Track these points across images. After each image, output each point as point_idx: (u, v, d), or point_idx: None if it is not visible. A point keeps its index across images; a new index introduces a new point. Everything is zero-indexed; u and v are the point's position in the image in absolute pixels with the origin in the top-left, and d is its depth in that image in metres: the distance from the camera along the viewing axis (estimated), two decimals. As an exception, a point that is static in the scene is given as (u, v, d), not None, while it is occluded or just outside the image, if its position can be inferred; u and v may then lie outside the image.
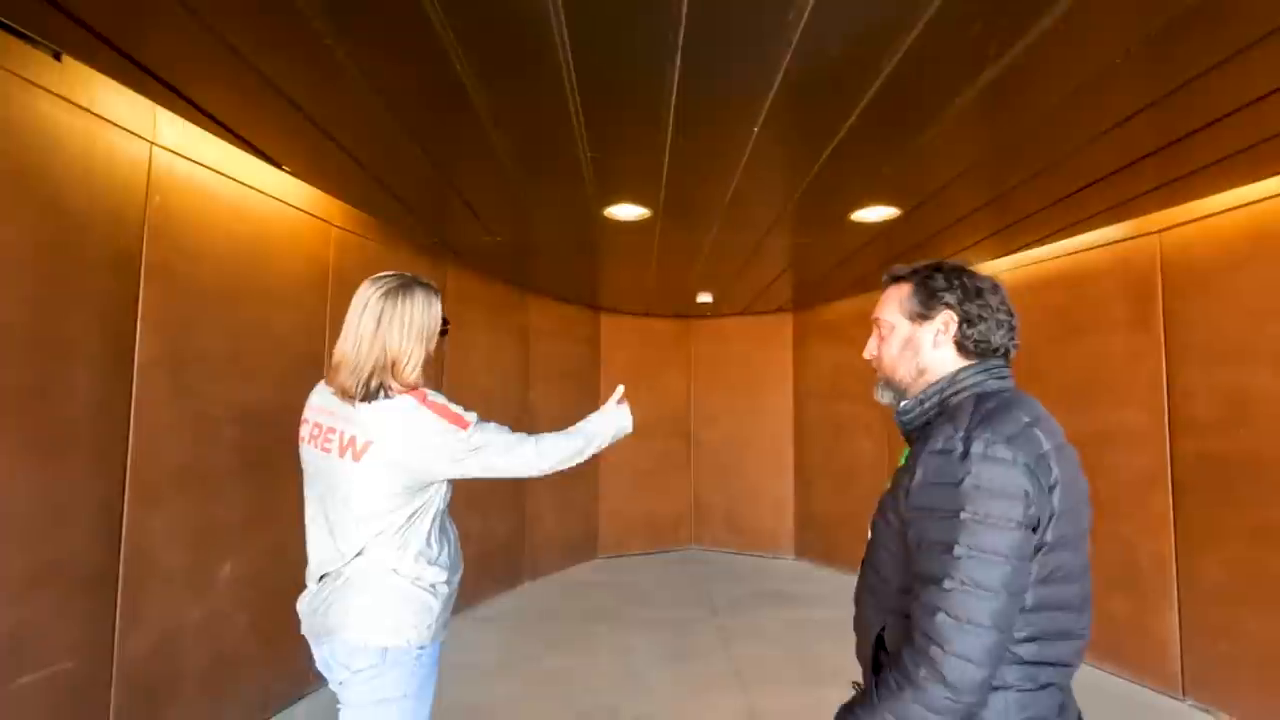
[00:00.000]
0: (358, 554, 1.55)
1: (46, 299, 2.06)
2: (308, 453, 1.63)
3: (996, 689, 1.04)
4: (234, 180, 2.78)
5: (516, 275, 5.12)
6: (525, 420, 5.42)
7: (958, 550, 1.00)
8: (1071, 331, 3.91)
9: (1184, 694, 3.28)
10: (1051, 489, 1.05)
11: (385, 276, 1.62)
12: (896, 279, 1.30)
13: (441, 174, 2.91)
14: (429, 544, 1.59)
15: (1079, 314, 3.87)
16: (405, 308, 1.57)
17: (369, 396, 1.53)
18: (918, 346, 1.24)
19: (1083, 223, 3.58)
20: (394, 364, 1.54)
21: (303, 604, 1.65)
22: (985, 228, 3.67)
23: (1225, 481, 3.13)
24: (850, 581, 1.39)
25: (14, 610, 1.96)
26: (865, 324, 1.38)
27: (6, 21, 1.88)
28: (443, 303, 1.68)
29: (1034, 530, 1.03)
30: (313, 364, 3.15)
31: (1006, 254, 4.26)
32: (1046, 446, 1.07)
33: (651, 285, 5.37)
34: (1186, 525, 3.30)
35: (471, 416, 1.60)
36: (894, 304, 1.28)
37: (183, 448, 2.56)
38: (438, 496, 1.63)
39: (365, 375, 1.52)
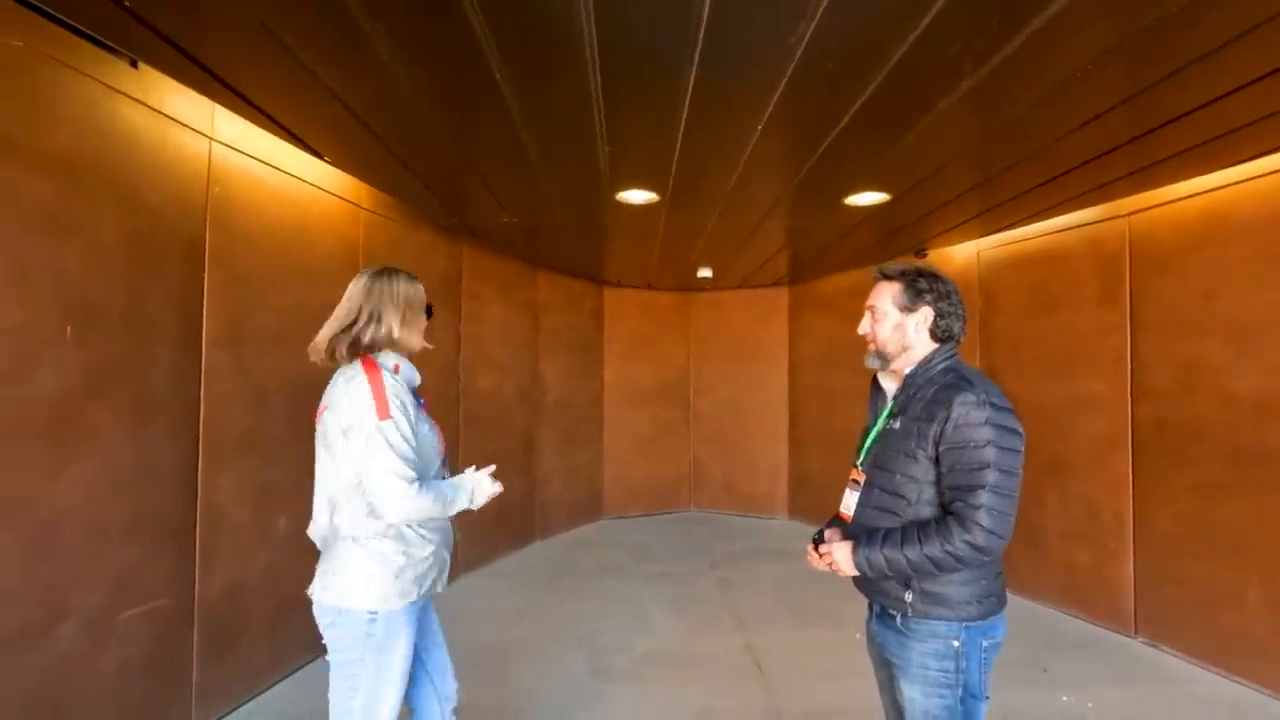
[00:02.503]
0: (330, 520, 1.66)
1: (134, 282, 2.33)
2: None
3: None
4: (279, 169, 3.01)
5: (527, 252, 5.36)
6: (535, 391, 5.72)
7: (991, 467, 1.45)
8: (1048, 306, 4.21)
9: (1135, 632, 3.68)
10: None
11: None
12: (888, 277, 1.70)
13: (470, 165, 3.15)
14: None
15: (1055, 290, 4.17)
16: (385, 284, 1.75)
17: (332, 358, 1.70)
18: (904, 330, 1.67)
19: (1059, 206, 3.85)
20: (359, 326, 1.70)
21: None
22: (969, 210, 3.94)
23: (1175, 444, 3.48)
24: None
25: (119, 554, 2.27)
26: (858, 298, 1.79)
27: (92, 33, 2.10)
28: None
29: None
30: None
31: (989, 234, 4.54)
32: None
33: (655, 261, 5.62)
34: (1143, 483, 3.65)
35: (396, 414, 1.58)
36: (887, 296, 1.69)
37: (243, 416, 2.85)
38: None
39: (325, 339, 1.70)
